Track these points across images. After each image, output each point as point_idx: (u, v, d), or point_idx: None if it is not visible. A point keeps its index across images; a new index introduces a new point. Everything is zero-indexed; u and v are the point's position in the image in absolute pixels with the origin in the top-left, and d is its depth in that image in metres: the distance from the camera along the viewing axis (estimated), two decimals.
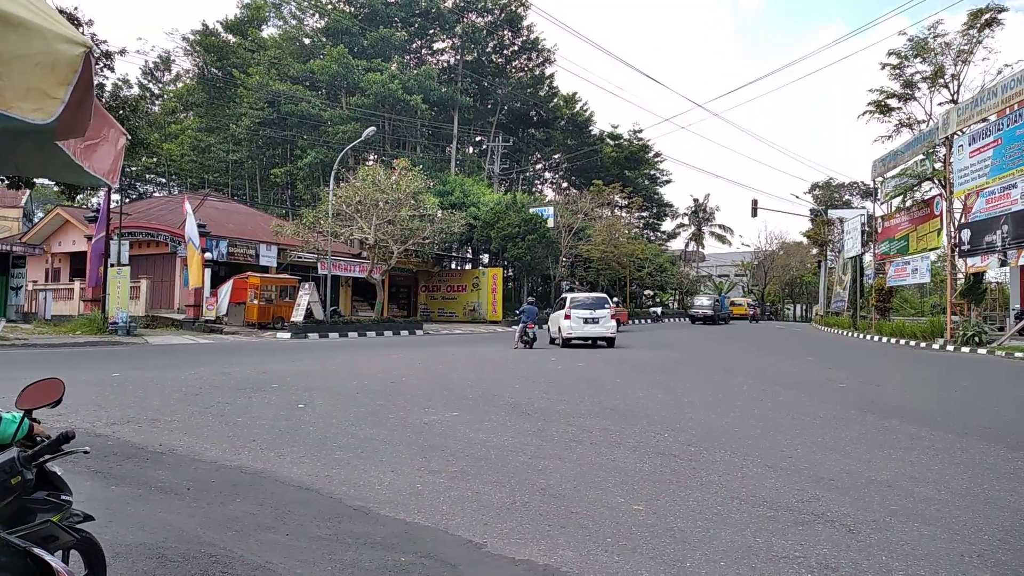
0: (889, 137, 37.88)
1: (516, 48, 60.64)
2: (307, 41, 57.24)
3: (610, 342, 23.28)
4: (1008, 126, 22.56)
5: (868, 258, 40.29)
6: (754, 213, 50.07)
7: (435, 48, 61.25)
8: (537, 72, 62.56)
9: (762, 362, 19.32)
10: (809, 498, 5.52)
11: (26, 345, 19.74)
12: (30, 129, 2.24)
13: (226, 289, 30.06)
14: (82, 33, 2.27)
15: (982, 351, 22.51)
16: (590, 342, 23.62)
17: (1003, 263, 26.70)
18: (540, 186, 70.80)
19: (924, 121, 35.40)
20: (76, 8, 21.42)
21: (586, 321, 22.93)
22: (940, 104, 34.57)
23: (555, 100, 64.69)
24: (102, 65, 20.99)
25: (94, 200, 42.88)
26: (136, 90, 57.53)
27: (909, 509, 5.26)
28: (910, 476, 6.28)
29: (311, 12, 58.87)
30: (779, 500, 5.45)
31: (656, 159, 70.36)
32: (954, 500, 5.53)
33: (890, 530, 4.76)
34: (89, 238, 29.44)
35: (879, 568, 4.08)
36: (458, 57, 58.62)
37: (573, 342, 23.33)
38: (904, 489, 5.83)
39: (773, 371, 16.52)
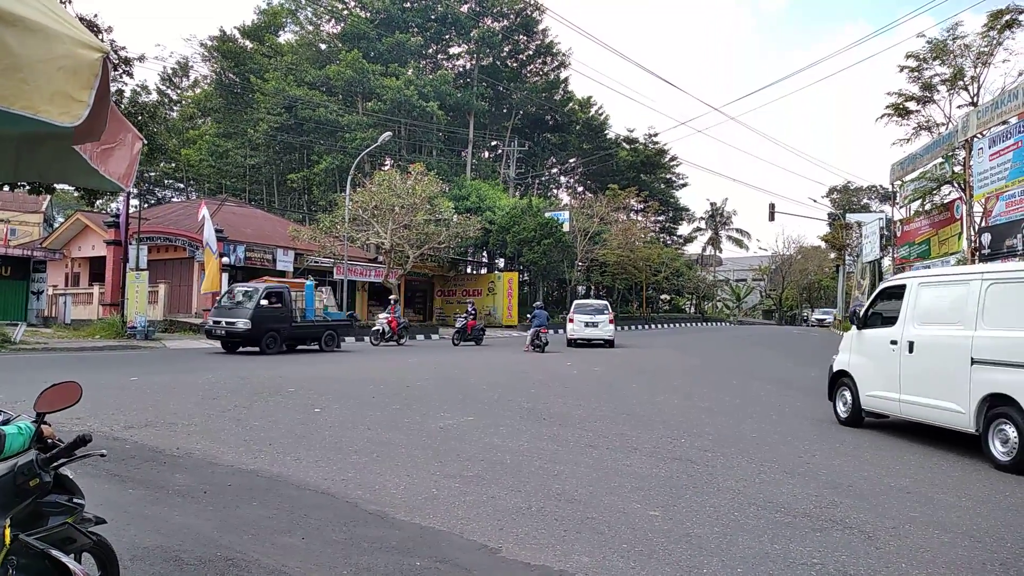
0: (908, 140, 37.47)
1: (531, 52, 60.62)
2: (323, 47, 57.54)
3: (609, 343, 25.87)
4: None
5: (887, 262, 39.93)
6: (771, 217, 49.68)
7: (451, 53, 61.35)
8: (552, 76, 62.49)
9: (780, 367, 19.19)
10: (827, 504, 5.47)
11: (46, 349, 19.95)
12: (51, 134, 2.26)
13: None
14: (101, 40, 2.29)
15: None
16: (601, 342, 26.02)
17: None
18: (555, 190, 70.59)
19: (943, 124, 34.99)
20: (96, 15, 21.73)
21: (587, 325, 25.83)
22: (959, 107, 34.19)
23: (570, 104, 64.58)
24: (121, 71, 21.18)
25: (113, 205, 43.33)
26: (155, 96, 58.12)
27: (929, 516, 5.20)
28: (930, 482, 6.21)
29: (327, 18, 59.24)
30: (797, 506, 5.40)
31: (672, 163, 69.91)
32: (975, 507, 5.46)
33: (909, 537, 4.70)
34: (108, 243, 29.76)
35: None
36: (473, 62, 58.69)
37: (578, 342, 26.07)
38: (924, 495, 5.76)
39: (791, 376, 16.41)
